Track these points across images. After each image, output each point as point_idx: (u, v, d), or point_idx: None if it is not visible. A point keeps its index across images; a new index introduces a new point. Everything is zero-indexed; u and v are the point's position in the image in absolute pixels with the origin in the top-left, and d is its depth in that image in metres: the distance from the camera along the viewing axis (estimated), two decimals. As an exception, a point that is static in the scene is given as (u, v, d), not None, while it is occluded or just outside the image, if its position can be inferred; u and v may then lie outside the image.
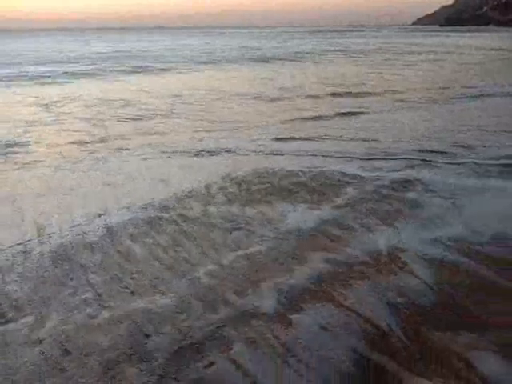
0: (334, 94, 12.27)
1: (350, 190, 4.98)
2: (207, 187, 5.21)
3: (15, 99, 12.53)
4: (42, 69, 19.98)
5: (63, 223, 4.29)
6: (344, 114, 9.67)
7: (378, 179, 5.30)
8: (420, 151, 6.52)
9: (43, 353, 2.57)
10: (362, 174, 5.48)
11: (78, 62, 23.79)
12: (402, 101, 11.25)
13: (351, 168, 5.76)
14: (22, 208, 4.66)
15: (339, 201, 4.70)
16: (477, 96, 11.78)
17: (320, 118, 9.27)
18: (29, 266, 3.52)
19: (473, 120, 8.92)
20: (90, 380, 2.40)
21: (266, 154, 6.65)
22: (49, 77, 17.32)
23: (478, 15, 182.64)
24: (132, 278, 3.35)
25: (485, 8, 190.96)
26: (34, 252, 3.72)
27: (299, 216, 4.36)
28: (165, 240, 3.96)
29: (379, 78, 16.40)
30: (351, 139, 7.45)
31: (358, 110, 9.94)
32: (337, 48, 34.24)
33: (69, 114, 10.28)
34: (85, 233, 4.09)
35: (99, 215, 4.45)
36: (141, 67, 20.72)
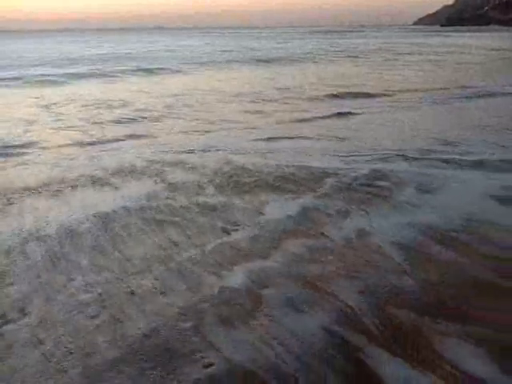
0: (331, 96, 12.29)
1: (329, 180, 5.33)
2: (197, 180, 5.49)
3: (17, 100, 12.60)
4: (42, 71, 20.01)
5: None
6: (340, 114, 9.74)
7: (355, 172, 5.65)
8: (401, 149, 6.68)
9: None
10: (342, 167, 5.84)
11: (77, 64, 23.86)
12: (398, 101, 11.30)
13: (333, 162, 6.09)
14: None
15: (320, 190, 5.05)
16: (472, 96, 11.84)
17: (315, 118, 9.34)
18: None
19: (464, 119, 9.02)
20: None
21: (258, 151, 6.76)
22: (49, 79, 17.39)
23: (478, 15, 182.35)
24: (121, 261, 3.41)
25: (486, 7, 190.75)
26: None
27: (282, 204, 4.67)
28: (152, 226, 4.22)
29: (378, 78, 16.44)
30: (340, 138, 7.53)
31: (353, 111, 10.01)
32: (337, 49, 34.17)
33: (68, 114, 10.34)
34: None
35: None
36: (142, 69, 20.72)
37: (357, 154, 6.55)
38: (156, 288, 3.21)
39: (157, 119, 9.63)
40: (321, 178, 5.46)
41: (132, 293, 3.17)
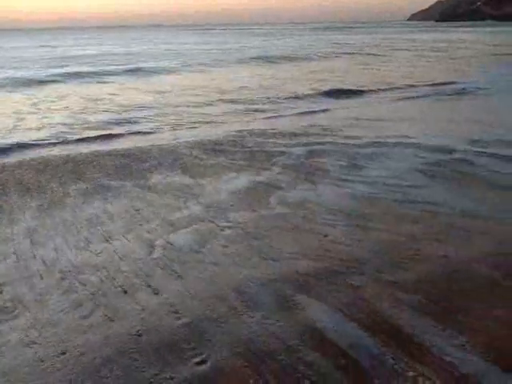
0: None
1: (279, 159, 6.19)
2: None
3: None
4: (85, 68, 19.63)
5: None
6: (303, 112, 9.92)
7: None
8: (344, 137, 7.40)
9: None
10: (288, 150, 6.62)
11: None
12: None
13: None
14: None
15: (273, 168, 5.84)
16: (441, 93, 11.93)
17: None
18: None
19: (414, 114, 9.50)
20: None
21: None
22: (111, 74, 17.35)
23: (472, 10, 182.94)
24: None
25: (478, 3, 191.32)
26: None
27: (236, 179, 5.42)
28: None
29: (361, 73, 16.59)
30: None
31: (317, 109, 10.22)
32: (337, 47, 33.95)
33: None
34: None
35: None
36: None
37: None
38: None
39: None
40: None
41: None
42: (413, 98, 11.44)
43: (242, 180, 5.38)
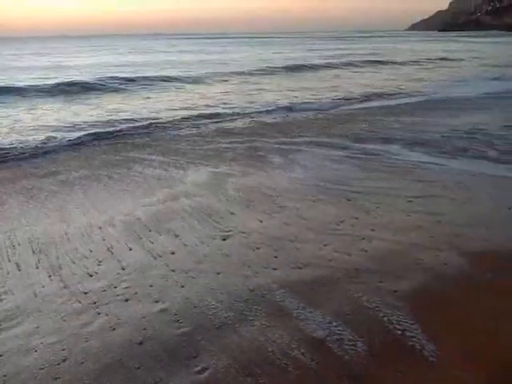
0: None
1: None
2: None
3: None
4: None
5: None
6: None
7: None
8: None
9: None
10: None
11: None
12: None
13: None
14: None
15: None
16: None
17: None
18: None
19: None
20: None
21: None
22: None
23: (473, 20, 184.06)
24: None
25: (478, 13, 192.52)
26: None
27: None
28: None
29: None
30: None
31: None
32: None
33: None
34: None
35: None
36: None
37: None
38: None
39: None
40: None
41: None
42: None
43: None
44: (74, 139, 8.10)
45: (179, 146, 7.58)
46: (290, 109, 11.14)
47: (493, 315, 2.81)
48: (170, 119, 9.92)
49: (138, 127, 9.16)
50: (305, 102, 12.07)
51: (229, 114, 10.52)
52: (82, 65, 26.84)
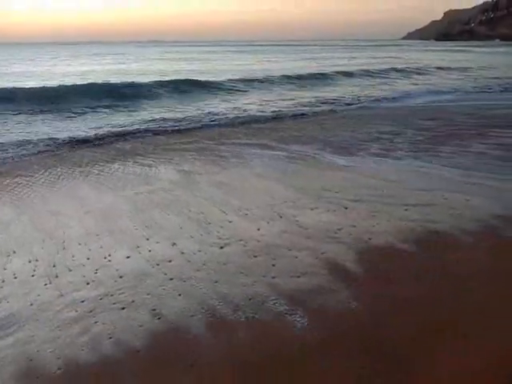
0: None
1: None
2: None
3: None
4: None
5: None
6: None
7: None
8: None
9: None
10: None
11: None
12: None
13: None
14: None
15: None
16: None
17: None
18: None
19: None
20: None
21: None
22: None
23: (466, 30, 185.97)
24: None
25: (472, 23, 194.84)
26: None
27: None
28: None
29: None
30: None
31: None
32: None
33: None
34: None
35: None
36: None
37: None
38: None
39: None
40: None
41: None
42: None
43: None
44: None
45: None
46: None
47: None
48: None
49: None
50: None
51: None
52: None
